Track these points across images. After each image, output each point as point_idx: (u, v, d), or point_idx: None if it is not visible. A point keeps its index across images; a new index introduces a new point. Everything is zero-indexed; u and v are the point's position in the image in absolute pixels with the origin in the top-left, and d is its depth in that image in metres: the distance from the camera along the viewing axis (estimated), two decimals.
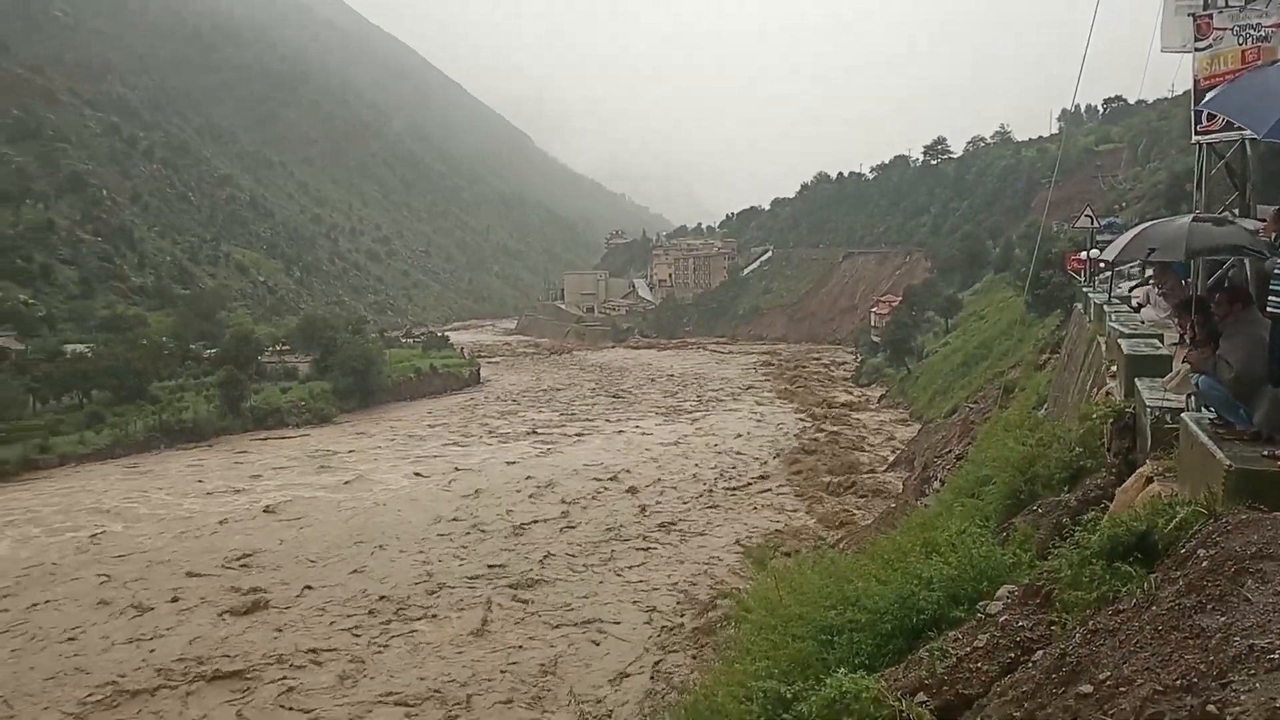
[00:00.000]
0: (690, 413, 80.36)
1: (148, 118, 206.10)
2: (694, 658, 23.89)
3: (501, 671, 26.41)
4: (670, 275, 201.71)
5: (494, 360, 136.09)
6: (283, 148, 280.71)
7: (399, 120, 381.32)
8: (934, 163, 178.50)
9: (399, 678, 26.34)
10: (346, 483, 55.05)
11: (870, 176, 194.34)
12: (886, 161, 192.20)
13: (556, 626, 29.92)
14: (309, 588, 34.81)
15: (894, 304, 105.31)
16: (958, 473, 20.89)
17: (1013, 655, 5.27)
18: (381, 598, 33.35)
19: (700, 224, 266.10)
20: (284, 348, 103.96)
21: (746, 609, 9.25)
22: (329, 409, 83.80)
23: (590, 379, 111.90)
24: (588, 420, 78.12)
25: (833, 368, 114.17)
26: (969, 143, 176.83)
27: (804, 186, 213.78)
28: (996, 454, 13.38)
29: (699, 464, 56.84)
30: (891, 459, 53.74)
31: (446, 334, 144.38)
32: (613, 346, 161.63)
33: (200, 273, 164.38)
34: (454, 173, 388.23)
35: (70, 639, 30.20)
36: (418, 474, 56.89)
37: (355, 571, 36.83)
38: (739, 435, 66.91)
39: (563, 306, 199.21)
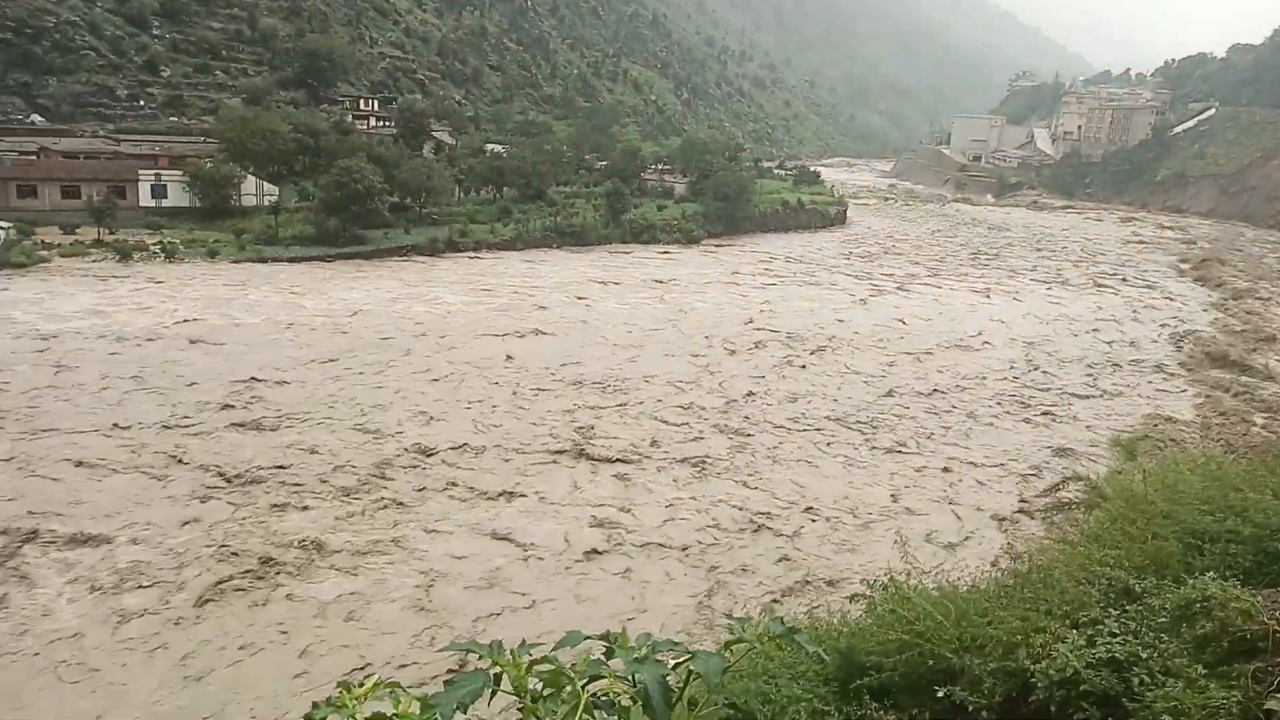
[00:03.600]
0: (1080, 287, 72.27)
1: None
2: (1034, 535, 22.99)
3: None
4: (1079, 127, 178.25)
5: (863, 202, 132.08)
6: None
7: None
8: None
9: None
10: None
11: None
12: None
13: (919, 469, 30.43)
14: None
15: None
16: None
17: None
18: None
19: (1128, 70, 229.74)
20: (664, 167, 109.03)
21: (1102, 495, 8.61)
22: (696, 231, 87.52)
23: (963, 234, 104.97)
24: (952, 276, 74.05)
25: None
26: None
27: (1277, 32, 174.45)
28: None
29: (1086, 343, 51.89)
30: None
31: (818, 170, 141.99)
32: (994, 202, 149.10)
33: (601, 86, 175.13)
34: None
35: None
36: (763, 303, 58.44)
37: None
38: (1134, 319, 59.46)
39: (946, 152, 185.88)
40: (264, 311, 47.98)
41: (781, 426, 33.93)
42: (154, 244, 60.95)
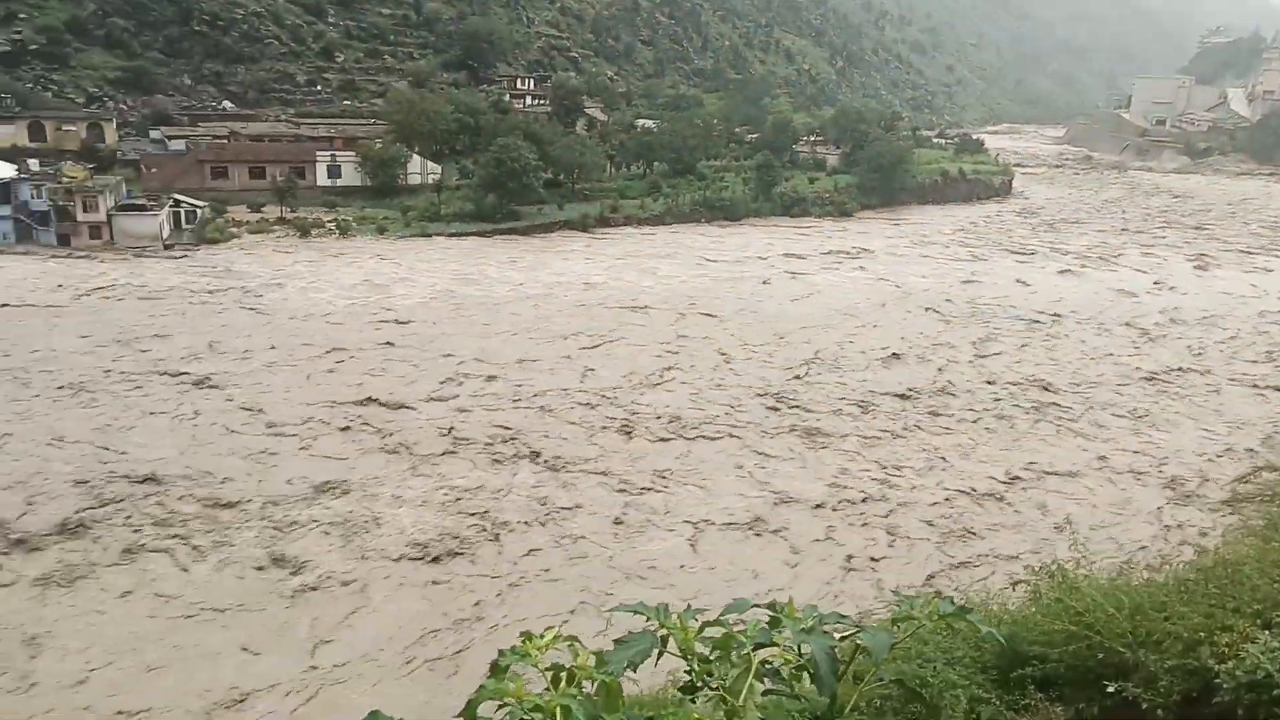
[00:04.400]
0: None
1: None
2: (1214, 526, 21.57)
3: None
4: None
5: (1030, 171, 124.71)
6: None
7: None
8: None
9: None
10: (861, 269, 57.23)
11: None
12: None
13: (1089, 439, 29.67)
14: None
15: None
16: None
17: None
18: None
19: None
20: (816, 138, 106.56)
21: None
22: (850, 203, 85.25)
23: (1147, 204, 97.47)
24: (1138, 251, 69.12)
25: None
26: None
27: None
28: None
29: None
30: None
31: (982, 137, 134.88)
32: (1182, 167, 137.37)
33: (752, 58, 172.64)
34: None
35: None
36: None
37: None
38: None
39: (1126, 116, 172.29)
40: (506, 281, 52.96)
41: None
42: (329, 221, 65.08)
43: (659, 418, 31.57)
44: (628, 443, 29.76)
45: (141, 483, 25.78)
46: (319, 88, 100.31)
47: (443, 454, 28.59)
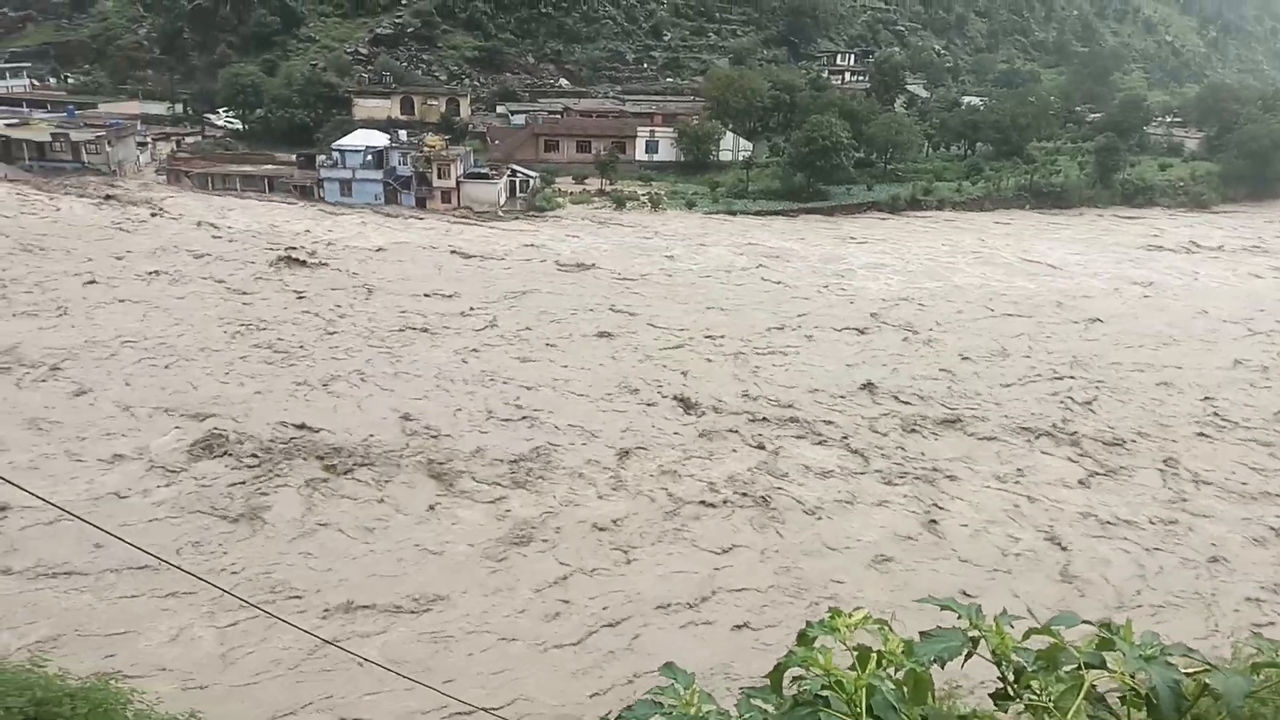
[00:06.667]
0: None
1: None
2: None
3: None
4: None
5: None
6: None
7: None
8: None
9: None
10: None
11: None
12: None
13: None
14: None
15: None
16: None
17: None
18: None
19: None
20: (1174, 119, 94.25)
21: None
22: (1208, 194, 74.60)
23: None
24: None
25: None
26: None
27: None
28: None
29: None
30: None
31: None
32: None
33: (1104, 29, 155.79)
34: None
35: None
36: None
37: None
38: None
39: None
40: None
41: None
42: (644, 194, 68.23)
43: None
44: None
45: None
46: (645, 65, 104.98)
47: None
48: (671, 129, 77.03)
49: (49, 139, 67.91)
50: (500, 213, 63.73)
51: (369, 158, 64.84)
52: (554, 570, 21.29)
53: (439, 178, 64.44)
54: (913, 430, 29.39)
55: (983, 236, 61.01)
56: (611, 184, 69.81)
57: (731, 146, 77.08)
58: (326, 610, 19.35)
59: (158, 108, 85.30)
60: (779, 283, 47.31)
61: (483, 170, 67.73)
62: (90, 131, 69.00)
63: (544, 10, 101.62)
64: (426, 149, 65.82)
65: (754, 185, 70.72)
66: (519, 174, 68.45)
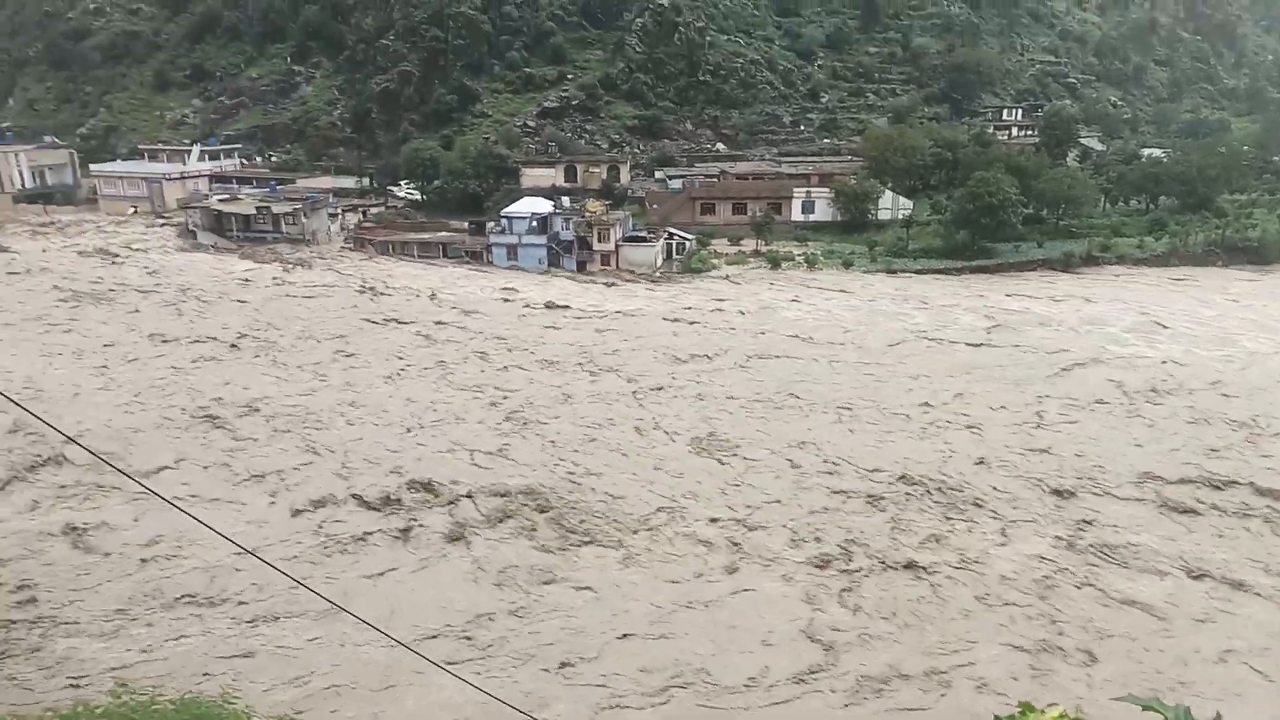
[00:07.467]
0: None
1: None
2: None
3: None
4: None
5: None
6: None
7: None
8: None
9: None
10: None
11: None
12: None
13: None
14: None
15: None
16: None
17: None
18: None
19: None
20: None
21: None
22: None
23: None
24: None
25: None
26: None
27: None
28: None
29: None
30: None
31: None
32: None
33: None
34: None
35: None
36: None
37: None
38: None
39: None
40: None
41: None
42: (799, 254, 67.93)
43: None
44: None
45: None
46: (802, 127, 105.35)
47: None
48: (828, 189, 76.64)
49: (254, 212, 75.40)
50: (656, 274, 65.01)
51: (534, 224, 67.94)
52: None
53: (599, 241, 66.61)
54: None
55: (1216, 296, 57.02)
56: (767, 244, 69.93)
57: (890, 205, 75.74)
58: None
59: (348, 181, 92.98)
60: (1063, 349, 45.53)
61: (640, 234, 69.49)
62: (289, 204, 76.14)
63: (702, 79, 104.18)
64: (587, 214, 68.27)
65: (914, 244, 69.05)
66: (675, 236, 69.77)
